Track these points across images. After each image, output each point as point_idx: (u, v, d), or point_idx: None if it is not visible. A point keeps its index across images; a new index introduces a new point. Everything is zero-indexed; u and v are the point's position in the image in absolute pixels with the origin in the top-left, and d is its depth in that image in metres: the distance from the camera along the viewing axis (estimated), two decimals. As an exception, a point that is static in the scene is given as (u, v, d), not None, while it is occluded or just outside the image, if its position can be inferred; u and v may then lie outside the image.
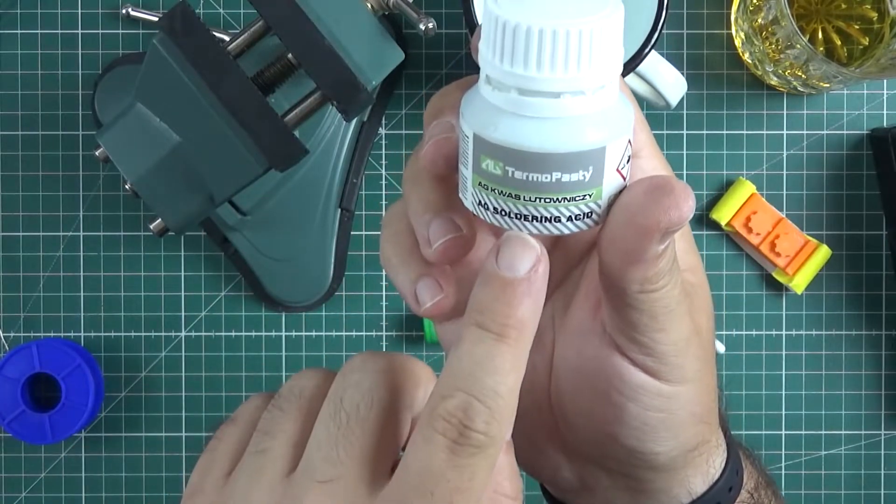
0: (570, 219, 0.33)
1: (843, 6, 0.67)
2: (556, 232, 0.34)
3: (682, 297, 0.36)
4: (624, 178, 0.34)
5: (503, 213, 0.33)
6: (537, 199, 0.33)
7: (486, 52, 0.33)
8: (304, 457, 0.32)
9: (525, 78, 0.32)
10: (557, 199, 0.33)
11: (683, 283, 0.37)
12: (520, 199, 0.33)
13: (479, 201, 0.34)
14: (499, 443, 0.31)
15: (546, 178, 0.32)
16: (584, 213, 0.33)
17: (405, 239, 0.37)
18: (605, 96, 0.33)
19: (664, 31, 0.64)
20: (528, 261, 0.31)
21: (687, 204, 0.33)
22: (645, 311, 0.35)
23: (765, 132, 0.71)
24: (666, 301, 0.35)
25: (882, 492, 0.72)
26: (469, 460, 0.30)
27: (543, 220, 0.33)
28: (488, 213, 0.34)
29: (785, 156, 0.71)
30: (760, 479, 0.44)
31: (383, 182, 0.71)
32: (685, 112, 0.71)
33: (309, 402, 0.34)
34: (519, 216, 0.33)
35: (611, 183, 0.33)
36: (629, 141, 0.33)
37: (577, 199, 0.33)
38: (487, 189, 0.33)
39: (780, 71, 0.67)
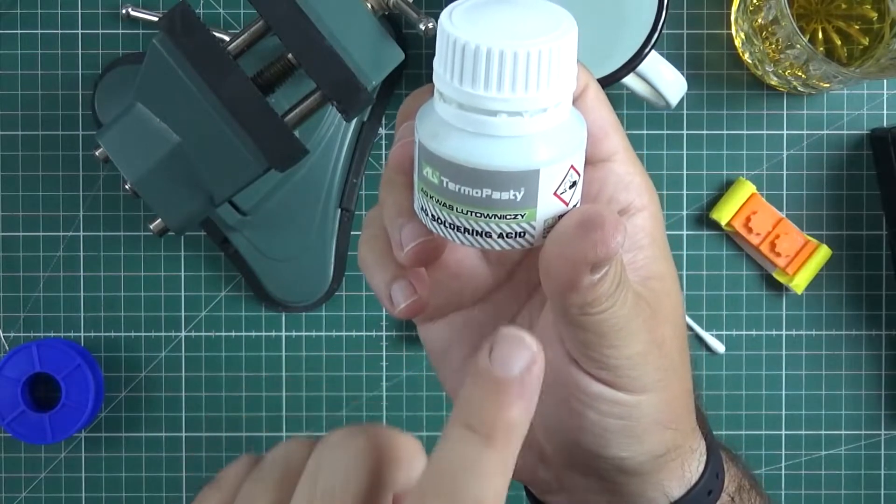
0: (500, 236, 0.34)
1: (843, 6, 0.67)
2: (486, 247, 0.34)
3: (633, 313, 0.35)
4: (566, 203, 0.34)
5: (439, 221, 0.34)
6: (468, 213, 0.33)
7: (437, 66, 0.33)
8: None
9: (464, 93, 0.32)
10: (488, 214, 0.33)
11: (645, 294, 0.37)
12: (453, 209, 0.33)
13: (422, 206, 0.35)
14: None
15: (477, 192, 0.33)
16: (515, 233, 0.34)
17: (381, 242, 0.37)
18: (547, 119, 0.33)
19: (664, 31, 0.64)
20: (523, 360, 0.30)
21: (615, 240, 0.32)
22: (591, 331, 0.35)
23: (765, 132, 0.71)
24: (613, 321, 0.35)
25: (882, 492, 0.72)
26: None
27: (475, 233, 0.34)
28: (427, 219, 0.34)
29: (785, 156, 0.71)
30: (744, 482, 0.44)
31: (383, 182, 0.71)
32: (685, 112, 0.71)
33: (290, 476, 0.32)
34: (452, 226, 0.34)
35: (547, 206, 0.33)
36: (572, 166, 0.33)
37: (508, 217, 0.33)
38: (427, 196, 0.34)
39: (780, 71, 0.67)
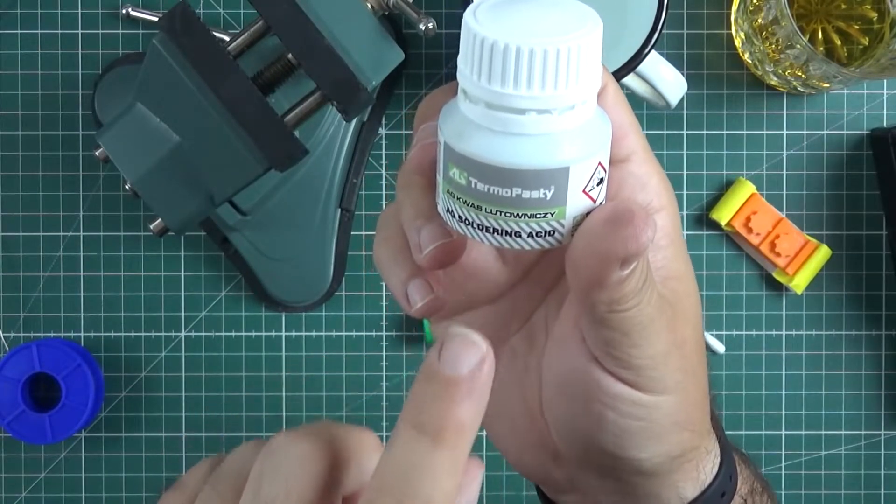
0: (530, 235, 0.33)
1: (843, 6, 0.67)
2: (516, 247, 0.34)
3: (657, 312, 0.35)
4: (593, 200, 0.34)
5: (467, 222, 0.34)
6: (497, 213, 0.33)
7: (461, 65, 0.33)
8: None
9: (492, 92, 0.32)
10: (517, 214, 0.33)
11: (666, 294, 0.37)
12: (481, 210, 0.33)
13: (448, 208, 0.34)
14: None
15: (506, 192, 0.32)
16: (545, 231, 0.33)
17: (397, 241, 0.37)
18: (574, 116, 0.33)
19: (664, 31, 0.64)
20: (471, 359, 0.29)
21: (646, 234, 0.32)
22: (617, 329, 0.35)
23: (765, 132, 0.71)
24: (638, 319, 0.35)
25: (882, 492, 0.72)
26: None
27: (504, 233, 0.33)
28: (454, 220, 0.34)
29: (785, 156, 0.71)
30: (756, 485, 0.44)
31: (383, 182, 0.71)
32: (685, 112, 0.71)
33: (243, 482, 0.32)
34: (480, 227, 0.34)
35: (576, 204, 0.33)
36: (600, 163, 0.33)
37: (538, 216, 0.33)
38: (454, 197, 0.34)
39: (780, 71, 0.67)
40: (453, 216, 0.34)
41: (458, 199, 0.34)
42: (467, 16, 0.33)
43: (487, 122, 0.32)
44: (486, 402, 0.30)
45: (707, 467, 0.40)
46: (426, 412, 0.29)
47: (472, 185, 0.33)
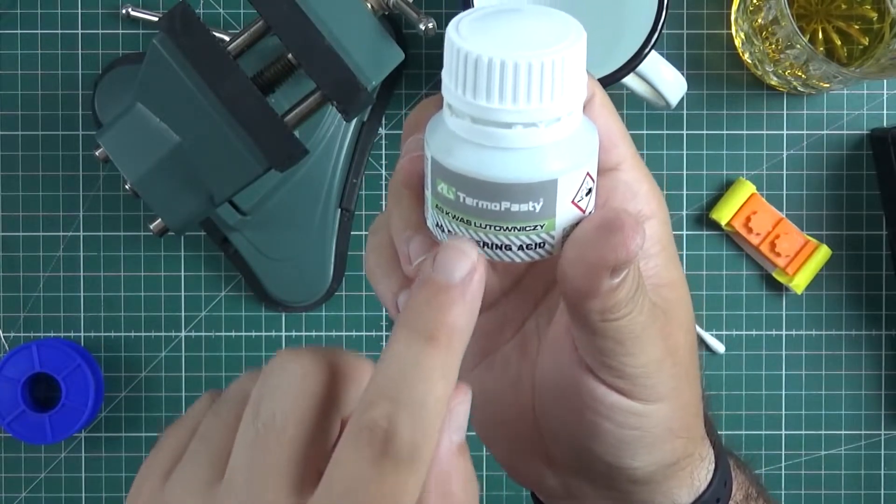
0: (520, 248, 0.33)
1: (843, 6, 0.67)
2: (507, 259, 0.34)
3: (649, 320, 0.35)
4: (583, 210, 0.34)
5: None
6: (487, 227, 0.33)
7: (446, 79, 0.33)
8: (229, 466, 0.31)
9: (477, 107, 0.32)
10: (507, 227, 0.33)
11: (658, 302, 0.37)
12: (471, 224, 0.33)
13: (437, 223, 0.34)
14: (425, 455, 0.29)
15: (495, 206, 0.32)
16: (535, 244, 0.33)
17: (387, 250, 0.37)
18: (561, 128, 0.32)
19: (664, 31, 0.64)
20: (463, 267, 0.31)
21: (635, 242, 0.32)
22: (609, 338, 0.35)
23: (765, 132, 0.71)
24: (631, 328, 0.35)
25: (882, 492, 0.72)
26: (395, 474, 0.28)
27: (494, 247, 0.33)
28: (444, 235, 0.34)
29: (785, 156, 0.71)
30: (751, 490, 0.44)
31: (383, 182, 0.71)
32: (685, 112, 0.71)
33: (245, 407, 0.32)
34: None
35: (565, 215, 0.33)
36: (588, 173, 0.33)
37: (528, 229, 0.33)
38: (442, 212, 0.34)
39: (780, 71, 0.67)
40: (443, 231, 0.34)
41: (446, 213, 0.34)
42: (450, 30, 0.32)
43: (474, 137, 0.32)
44: (477, 310, 0.31)
45: (701, 474, 0.40)
46: (420, 315, 0.30)
47: (461, 200, 0.33)
